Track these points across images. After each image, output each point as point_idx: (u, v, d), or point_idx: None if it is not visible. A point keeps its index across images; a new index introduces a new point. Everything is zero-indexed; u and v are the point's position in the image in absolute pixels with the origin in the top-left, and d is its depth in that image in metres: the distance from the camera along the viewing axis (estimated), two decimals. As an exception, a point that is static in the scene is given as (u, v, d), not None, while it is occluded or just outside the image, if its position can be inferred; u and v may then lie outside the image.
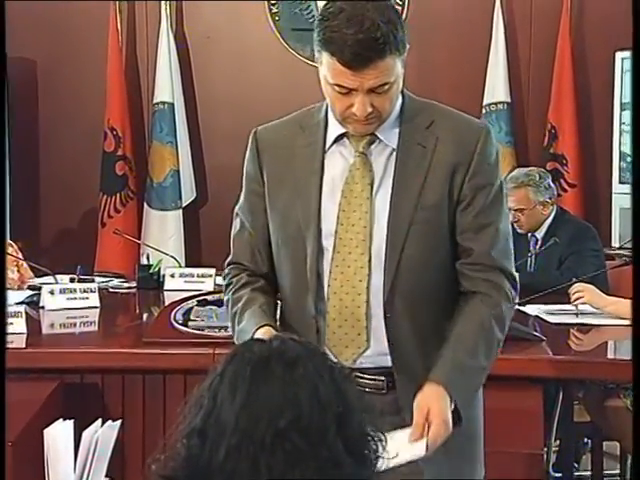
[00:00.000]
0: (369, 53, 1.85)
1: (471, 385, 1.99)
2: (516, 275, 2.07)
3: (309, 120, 2.05)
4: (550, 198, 4.10)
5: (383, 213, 1.98)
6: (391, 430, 1.73)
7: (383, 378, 2.00)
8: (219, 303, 3.29)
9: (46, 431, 1.61)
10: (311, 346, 1.32)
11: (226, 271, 2.14)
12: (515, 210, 4.01)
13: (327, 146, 2.02)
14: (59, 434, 1.60)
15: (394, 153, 2.00)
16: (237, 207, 2.13)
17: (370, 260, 1.97)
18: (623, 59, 4.91)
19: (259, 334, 1.90)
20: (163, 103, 5.16)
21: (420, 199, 1.97)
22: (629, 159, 4.92)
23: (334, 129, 2.01)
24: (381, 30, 1.86)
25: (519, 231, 4.04)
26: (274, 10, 5.24)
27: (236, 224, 2.13)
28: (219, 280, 3.91)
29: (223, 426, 1.22)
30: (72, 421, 1.61)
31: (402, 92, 2.02)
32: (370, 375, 2.00)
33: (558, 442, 3.60)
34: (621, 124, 4.95)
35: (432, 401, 1.86)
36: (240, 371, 1.25)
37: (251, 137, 2.10)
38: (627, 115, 4.83)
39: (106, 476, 1.63)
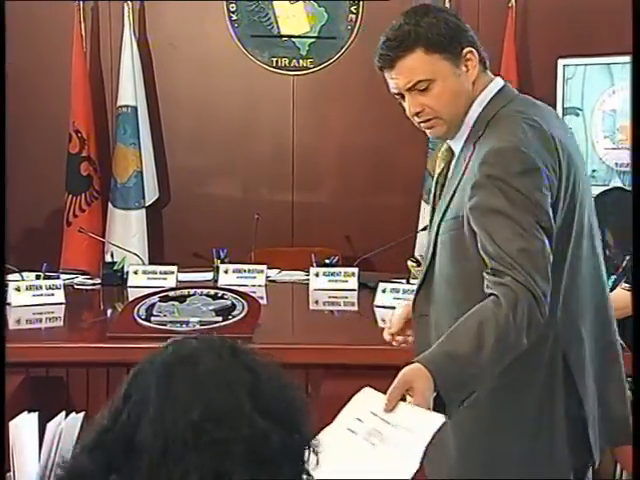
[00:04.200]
0: (388, 52, 1.92)
1: (459, 374, 1.74)
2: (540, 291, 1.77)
3: None
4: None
5: None
6: None
7: None
8: (181, 299, 3.28)
9: (11, 423, 1.59)
10: (205, 336, 1.28)
11: None
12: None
13: None
14: (24, 426, 1.57)
15: None
16: None
17: None
18: (565, 66, 4.96)
19: None
20: (126, 106, 5.10)
21: (447, 210, 1.93)
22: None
23: None
24: (402, 29, 1.91)
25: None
26: (234, 17, 5.22)
27: None
28: (181, 277, 3.92)
29: (146, 443, 1.16)
30: (37, 413, 1.59)
31: (490, 100, 1.98)
32: None
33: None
34: (563, 128, 5.00)
35: (415, 377, 1.69)
36: (146, 387, 1.20)
37: None
38: (569, 119, 4.88)
39: (70, 466, 1.60)
